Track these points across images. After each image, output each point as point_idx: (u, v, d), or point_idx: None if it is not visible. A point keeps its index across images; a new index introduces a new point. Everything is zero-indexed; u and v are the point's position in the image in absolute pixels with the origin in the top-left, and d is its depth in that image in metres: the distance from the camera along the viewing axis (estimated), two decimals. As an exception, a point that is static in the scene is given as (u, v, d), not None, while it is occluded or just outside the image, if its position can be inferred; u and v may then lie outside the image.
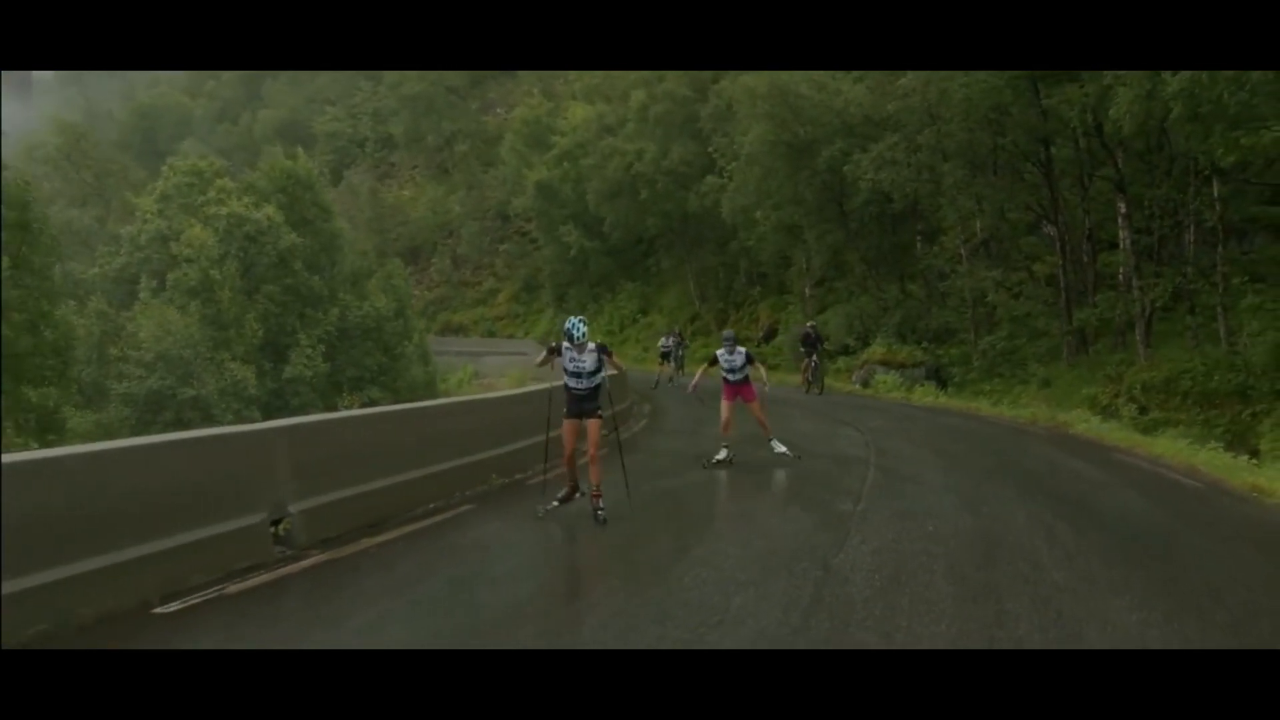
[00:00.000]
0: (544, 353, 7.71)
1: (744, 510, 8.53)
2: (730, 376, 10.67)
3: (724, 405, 10.60)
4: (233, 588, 5.34)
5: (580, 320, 7.61)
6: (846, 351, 28.36)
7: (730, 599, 5.22)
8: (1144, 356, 18.25)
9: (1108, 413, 16.36)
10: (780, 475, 9.88)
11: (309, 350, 22.68)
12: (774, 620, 4.87)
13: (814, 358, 21.80)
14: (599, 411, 7.73)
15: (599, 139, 40.54)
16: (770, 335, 34.27)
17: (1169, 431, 14.42)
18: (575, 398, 7.66)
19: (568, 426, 7.71)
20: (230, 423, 17.92)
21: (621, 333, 44.18)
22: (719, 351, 10.72)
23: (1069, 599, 5.38)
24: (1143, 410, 16.56)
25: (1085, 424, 14.55)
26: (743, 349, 10.78)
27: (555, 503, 7.74)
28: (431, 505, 7.80)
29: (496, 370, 38.34)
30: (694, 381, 11.03)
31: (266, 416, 19.27)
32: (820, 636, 4.65)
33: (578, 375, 7.61)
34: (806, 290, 31.61)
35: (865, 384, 24.38)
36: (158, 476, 5.18)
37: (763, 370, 10.92)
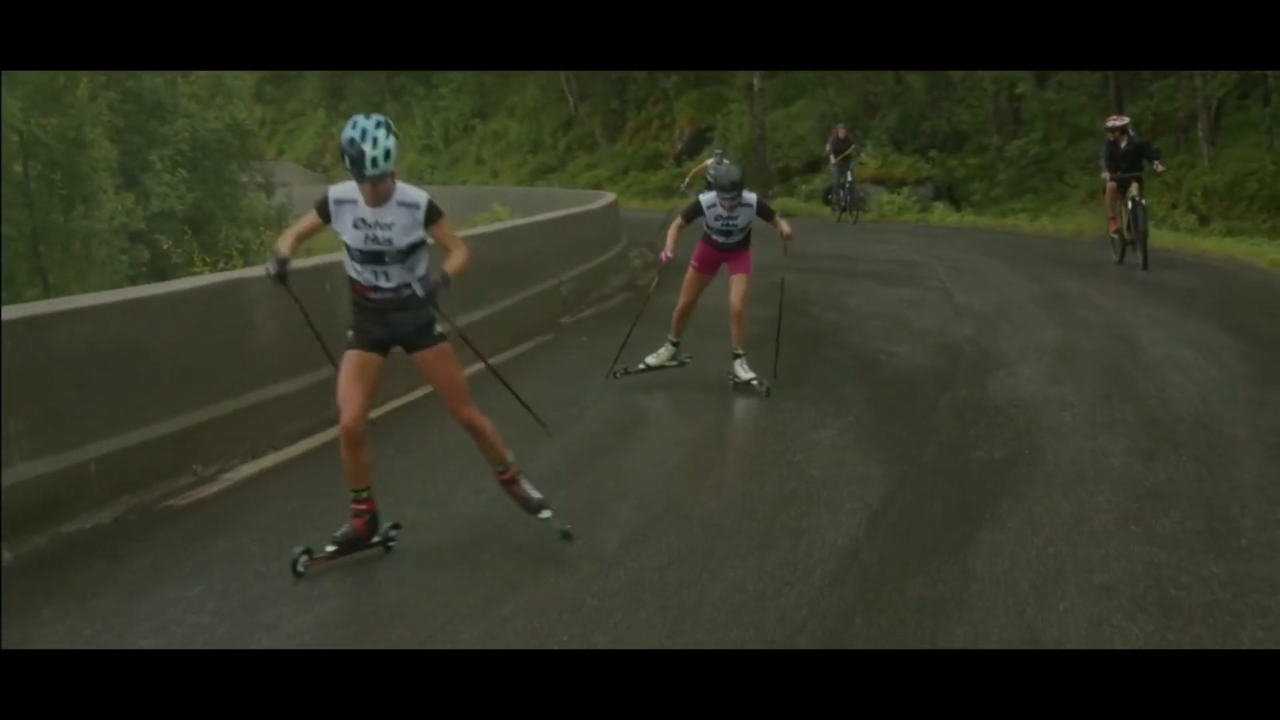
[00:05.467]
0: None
1: (859, 288, 17.12)
2: (722, 240, 10.94)
3: (690, 277, 11.19)
4: (585, 312, 15.07)
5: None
6: (817, 168, 36.22)
7: (906, 311, 14.48)
8: (1207, 157, 27.22)
9: (1164, 225, 24.98)
10: (863, 272, 18.62)
11: (166, 176, 29.40)
12: (941, 318, 14.32)
13: (1135, 194, 18.55)
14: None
15: None
16: (692, 149, 41.22)
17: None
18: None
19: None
20: (122, 268, 25.61)
21: (448, 149, 51.56)
22: (705, 197, 10.89)
23: (1114, 312, 14.73)
24: (1203, 220, 25.17)
25: (1135, 232, 23.97)
26: (753, 195, 10.81)
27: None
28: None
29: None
30: (667, 247, 11.01)
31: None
32: (972, 327, 13.68)
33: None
34: (755, 81, 37.69)
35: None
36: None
37: (785, 224, 11.06)
